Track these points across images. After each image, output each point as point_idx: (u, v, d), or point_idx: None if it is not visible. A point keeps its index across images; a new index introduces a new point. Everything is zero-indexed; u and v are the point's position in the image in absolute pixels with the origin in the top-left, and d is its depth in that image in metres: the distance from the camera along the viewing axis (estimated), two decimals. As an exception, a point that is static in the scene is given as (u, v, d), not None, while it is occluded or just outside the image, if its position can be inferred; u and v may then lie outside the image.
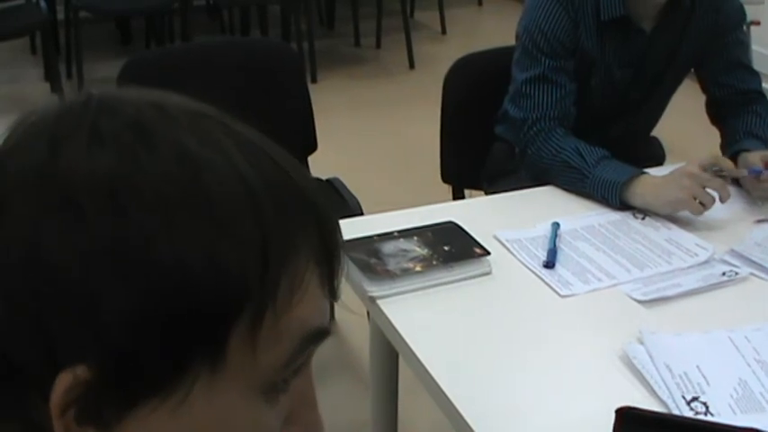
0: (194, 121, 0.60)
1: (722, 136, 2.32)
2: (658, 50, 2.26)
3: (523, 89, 2.21)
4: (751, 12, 2.70)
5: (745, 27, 2.40)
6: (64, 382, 0.54)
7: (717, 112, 2.36)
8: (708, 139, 2.37)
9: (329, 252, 0.62)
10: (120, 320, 0.54)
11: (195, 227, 0.55)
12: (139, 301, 0.54)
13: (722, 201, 1.94)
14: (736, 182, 2.09)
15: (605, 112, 2.32)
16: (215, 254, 0.55)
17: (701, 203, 1.93)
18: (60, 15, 5.36)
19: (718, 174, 1.97)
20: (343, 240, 0.64)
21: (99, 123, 0.57)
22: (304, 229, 0.60)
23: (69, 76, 5.27)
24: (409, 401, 2.12)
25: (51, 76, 5.06)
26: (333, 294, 0.64)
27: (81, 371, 0.54)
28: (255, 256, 0.56)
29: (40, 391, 0.55)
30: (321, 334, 0.62)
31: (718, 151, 2.26)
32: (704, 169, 1.95)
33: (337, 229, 0.63)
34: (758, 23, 4.29)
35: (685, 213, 1.97)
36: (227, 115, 0.62)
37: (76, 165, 0.55)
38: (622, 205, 2.01)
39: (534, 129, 2.18)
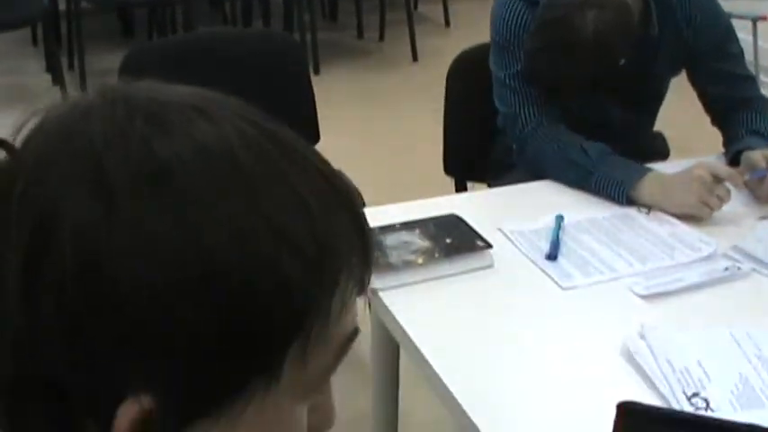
0: (243, 136, 0.58)
1: (723, 135, 2.28)
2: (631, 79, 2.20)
3: (509, 83, 2.18)
4: (758, 7, 2.68)
5: (751, 23, 2.34)
6: (130, 412, 0.54)
7: (714, 116, 2.31)
8: (712, 135, 2.35)
9: (369, 258, 0.62)
10: (191, 348, 0.53)
11: (262, 248, 0.54)
12: (210, 326, 0.53)
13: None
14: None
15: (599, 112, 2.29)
16: (281, 271, 0.55)
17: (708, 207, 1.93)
18: (62, 6, 5.33)
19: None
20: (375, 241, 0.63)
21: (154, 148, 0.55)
22: (350, 238, 0.60)
23: (71, 67, 5.23)
24: (410, 394, 2.12)
25: (53, 68, 5.00)
26: (363, 291, 0.63)
27: (146, 401, 0.54)
28: (314, 272, 0.56)
29: (91, 415, 0.55)
30: (355, 333, 0.63)
31: (720, 148, 2.25)
32: (712, 173, 1.94)
33: (372, 230, 0.63)
34: (765, 19, 4.27)
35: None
36: (275, 123, 0.61)
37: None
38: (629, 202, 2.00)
39: (531, 124, 2.15)
